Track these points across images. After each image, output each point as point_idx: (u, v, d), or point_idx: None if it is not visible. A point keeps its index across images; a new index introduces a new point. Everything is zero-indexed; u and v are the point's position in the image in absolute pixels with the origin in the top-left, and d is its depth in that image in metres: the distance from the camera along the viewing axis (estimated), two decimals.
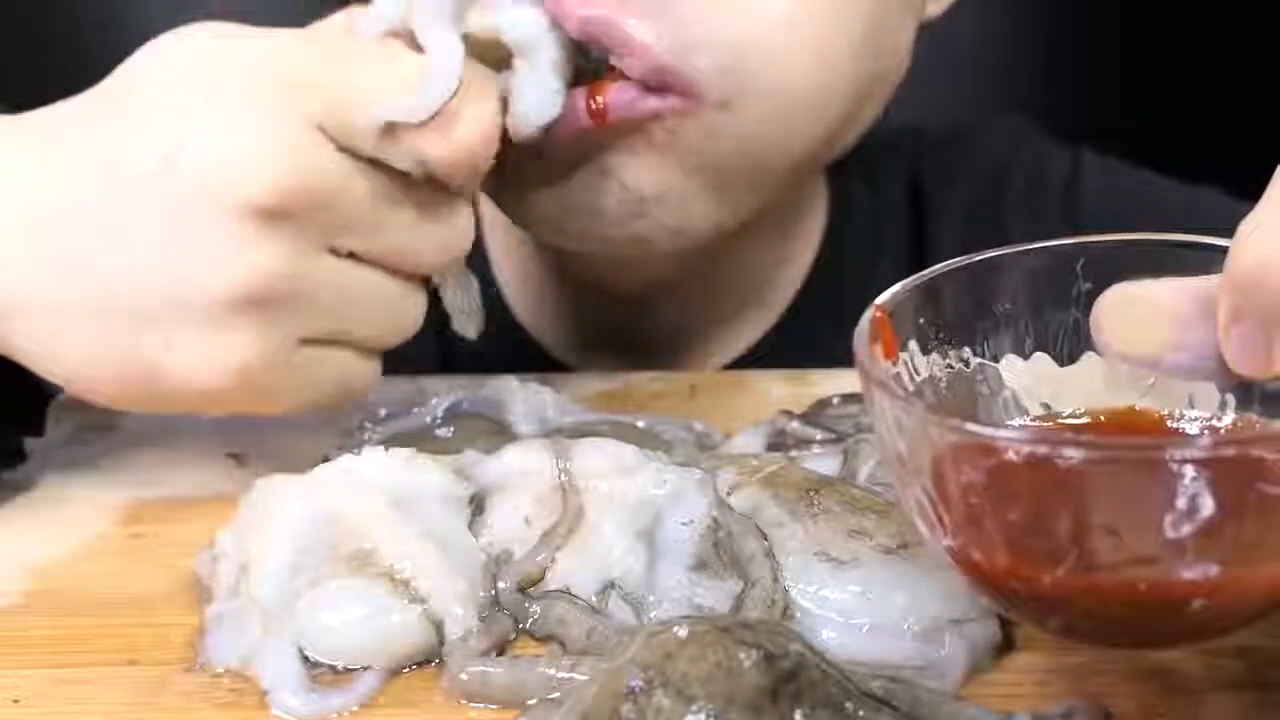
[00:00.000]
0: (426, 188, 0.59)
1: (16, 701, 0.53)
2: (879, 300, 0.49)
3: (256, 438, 0.67)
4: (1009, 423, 0.50)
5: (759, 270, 0.81)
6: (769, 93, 0.65)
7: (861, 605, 0.53)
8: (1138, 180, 0.88)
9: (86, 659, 0.55)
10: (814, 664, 0.47)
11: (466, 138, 0.58)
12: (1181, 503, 0.40)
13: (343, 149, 0.58)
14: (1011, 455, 0.42)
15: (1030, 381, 0.51)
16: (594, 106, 0.63)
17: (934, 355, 0.50)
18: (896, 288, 0.49)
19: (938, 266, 0.50)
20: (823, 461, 0.61)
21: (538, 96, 0.62)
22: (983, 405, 0.51)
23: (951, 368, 0.50)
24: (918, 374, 0.49)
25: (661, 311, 0.79)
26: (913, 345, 0.49)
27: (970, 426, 0.43)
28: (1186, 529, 0.40)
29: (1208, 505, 0.40)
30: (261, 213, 0.56)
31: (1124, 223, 0.84)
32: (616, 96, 0.63)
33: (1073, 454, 0.41)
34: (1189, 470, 0.40)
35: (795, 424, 0.64)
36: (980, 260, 0.50)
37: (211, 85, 0.58)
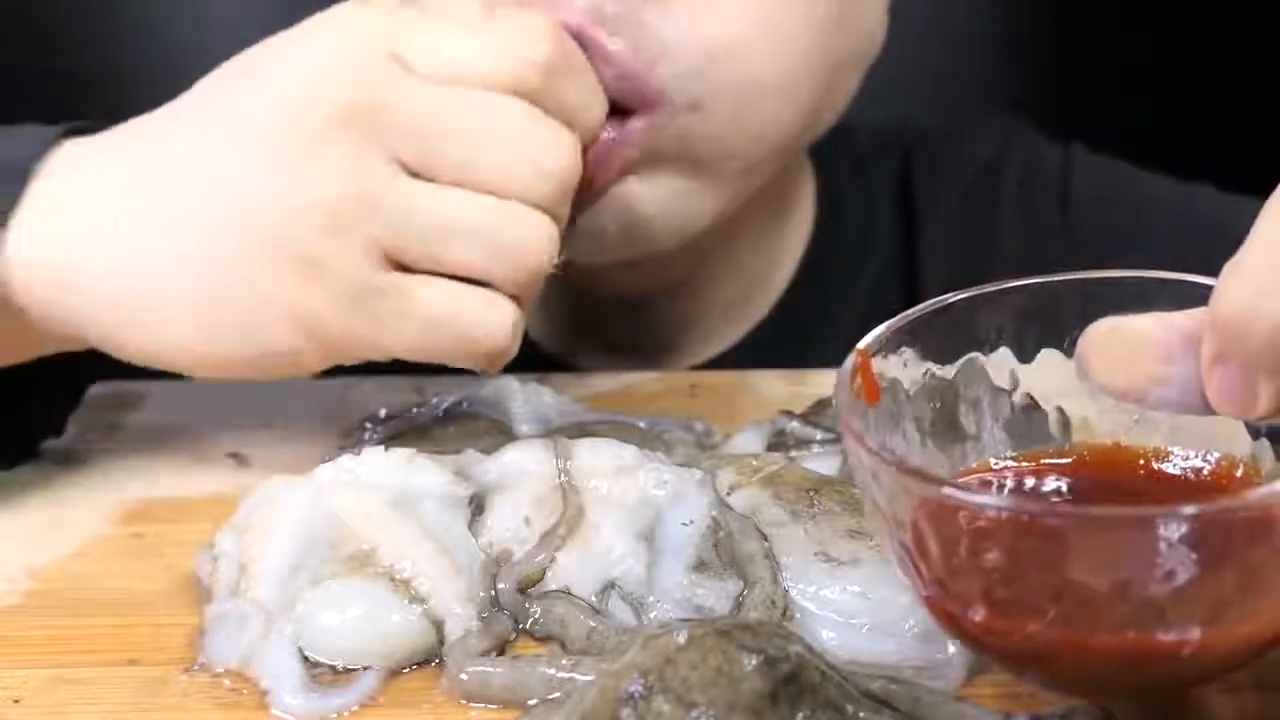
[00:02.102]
0: (518, 106, 0.59)
1: (17, 701, 0.53)
2: (861, 344, 0.48)
3: (257, 438, 0.67)
4: (994, 455, 0.50)
5: (749, 271, 0.81)
6: (737, 90, 0.67)
7: (861, 605, 0.53)
8: (1130, 178, 0.88)
9: (86, 659, 0.55)
10: (814, 666, 0.47)
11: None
12: (1159, 565, 0.40)
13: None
14: (988, 515, 0.42)
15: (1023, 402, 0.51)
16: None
17: (920, 379, 0.50)
18: (880, 329, 0.49)
19: (920, 306, 0.50)
20: (823, 461, 0.61)
21: None
22: (973, 443, 0.51)
23: (937, 403, 0.50)
24: (906, 394, 0.50)
25: (654, 314, 0.79)
26: (900, 369, 0.50)
27: (947, 490, 0.43)
28: (1164, 590, 0.41)
29: (1184, 568, 0.40)
30: (330, 122, 0.57)
31: (1117, 221, 0.85)
32: (596, 164, 0.64)
33: (1049, 521, 0.42)
34: (1165, 535, 0.40)
35: (795, 424, 0.64)
36: (963, 299, 0.50)
37: (283, 36, 0.60)
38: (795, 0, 0.68)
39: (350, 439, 0.65)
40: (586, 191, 0.65)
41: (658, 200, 0.68)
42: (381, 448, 0.58)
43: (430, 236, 0.58)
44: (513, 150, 0.58)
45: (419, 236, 0.58)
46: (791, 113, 0.70)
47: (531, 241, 0.58)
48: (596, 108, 0.62)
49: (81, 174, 0.61)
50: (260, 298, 0.59)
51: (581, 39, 0.64)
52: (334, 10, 0.60)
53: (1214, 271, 0.43)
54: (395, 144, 0.57)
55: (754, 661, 0.46)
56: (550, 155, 0.59)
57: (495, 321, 0.59)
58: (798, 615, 0.53)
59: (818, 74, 0.70)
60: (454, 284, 0.58)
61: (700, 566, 0.55)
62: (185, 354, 0.60)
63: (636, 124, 0.66)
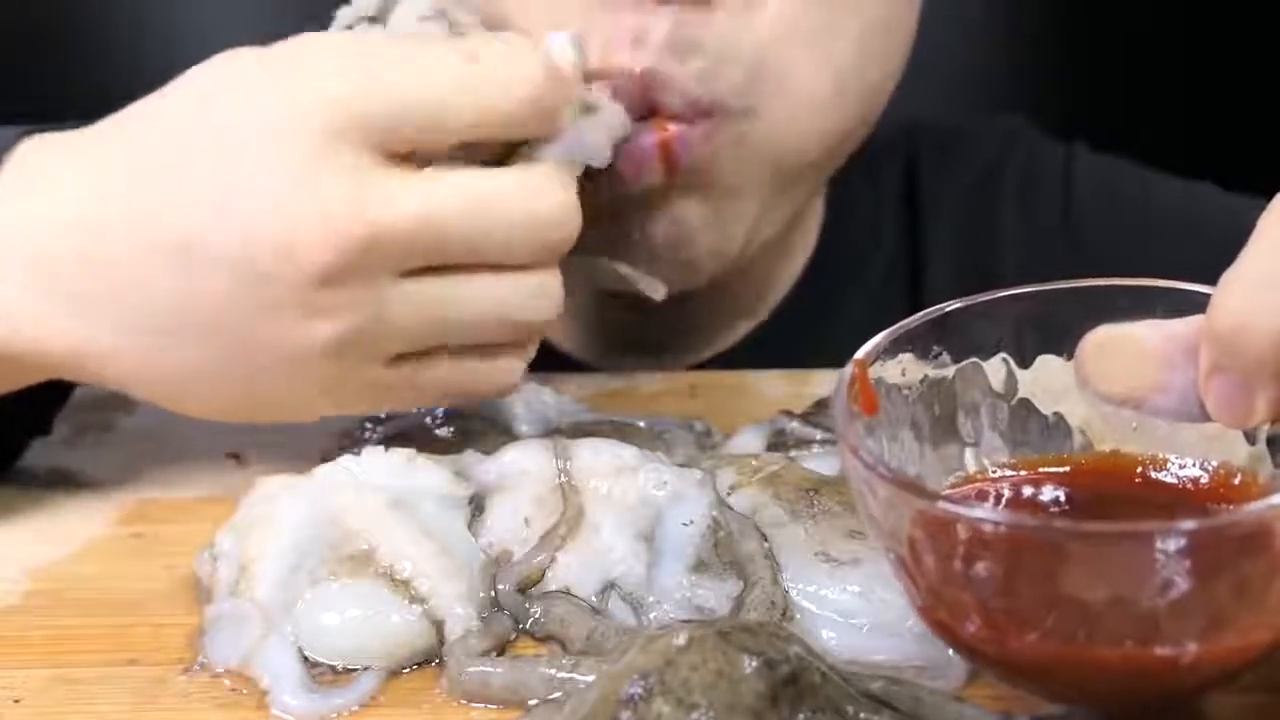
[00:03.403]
0: (504, 182, 0.58)
1: (17, 701, 0.53)
2: (858, 354, 0.48)
3: (256, 438, 0.67)
4: (991, 461, 0.51)
5: (756, 271, 0.81)
6: (790, 93, 0.67)
7: (861, 605, 0.53)
8: (1133, 177, 0.88)
9: (86, 659, 0.55)
10: (814, 667, 0.47)
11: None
12: (1154, 579, 0.41)
13: (416, 162, 0.57)
14: (983, 528, 0.42)
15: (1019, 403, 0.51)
16: (666, 152, 0.65)
17: (918, 385, 0.50)
18: (878, 338, 0.49)
19: (919, 314, 0.50)
20: (823, 461, 0.61)
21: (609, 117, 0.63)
22: (970, 448, 0.51)
23: (935, 408, 0.50)
24: (904, 400, 0.50)
25: (660, 313, 0.79)
26: (898, 375, 0.50)
27: (941, 503, 0.43)
28: (1159, 604, 0.41)
29: (1180, 581, 0.40)
30: (323, 279, 0.56)
31: (1119, 221, 0.85)
32: (681, 147, 0.65)
33: (1044, 535, 0.42)
34: (1161, 549, 0.40)
35: (795, 424, 0.64)
36: (962, 306, 0.50)
37: (253, 145, 0.56)
38: (839, 15, 0.68)
39: (350, 439, 0.65)
40: (624, 187, 0.65)
41: (700, 214, 0.68)
42: (381, 448, 0.58)
43: (436, 331, 0.59)
44: (514, 231, 0.58)
45: (425, 335, 0.59)
46: (837, 123, 0.70)
47: (534, 309, 0.59)
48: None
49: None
50: (277, 405, 0.61)
51: (656, 80, 0.64)
52: (299, 128, 0.56)
53: (1217, 272, 0.43)
54: (395, 265, 0.57)
55: (754, 663, 0.46)
56: (553, 228, 0.58)
57: (499, 377, 0.61)
58: (798, 616, 0.53)
59: (860, 87, 0.70)
60: (452, 361, 0.60)
61: (700, 567, 0.55)
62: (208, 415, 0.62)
63: (698, 129, 0.66)
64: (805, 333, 0.82)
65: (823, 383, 0.70)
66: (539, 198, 0.58)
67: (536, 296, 0.59)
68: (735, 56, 0.66)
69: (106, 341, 0.59)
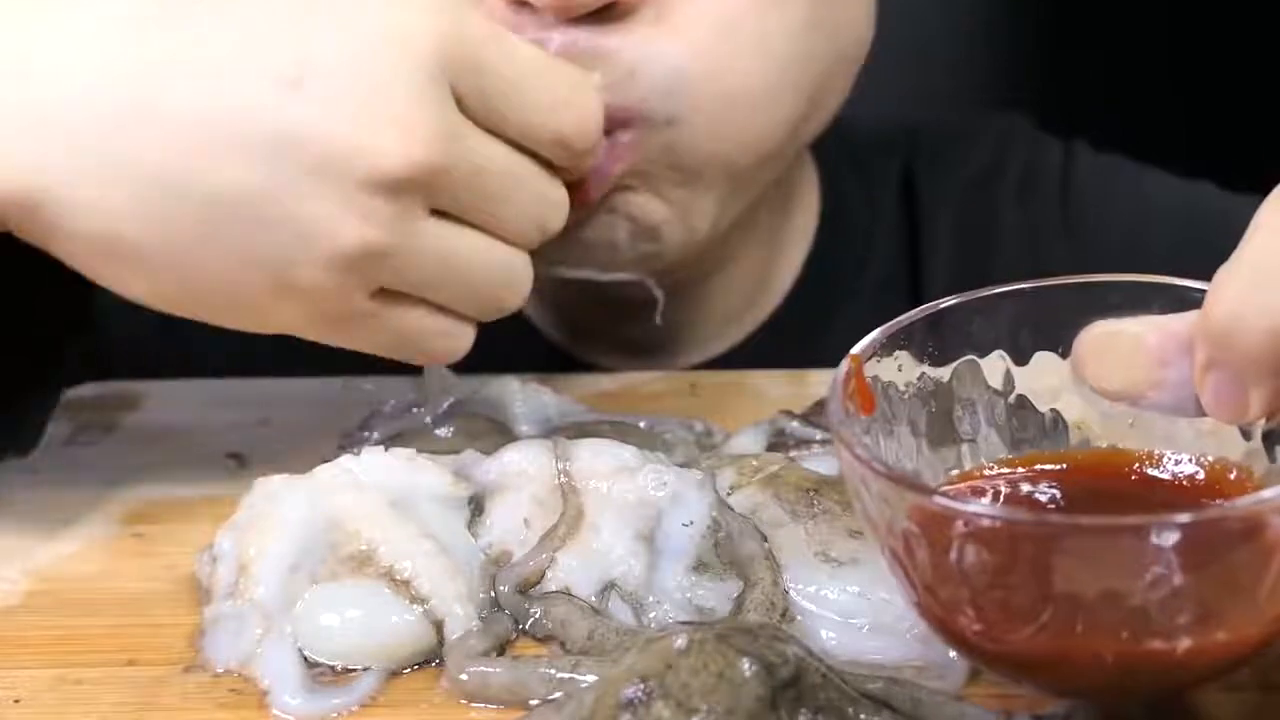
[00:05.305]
0: (533, 161, 0.61)
1: (17, 701, 0.53)
2: (854, 350, 0.49)
3: (256, 438, 0.67)
4: (988, 458, 0.51)
5: (753, 271, 0.81)
6: (710, 103, 0.66)
7: (861, 606, 0.53)
8: (1132, 175, 0.88)
9: (86, 659, 0.55)
10: (814, 668, 0.47)
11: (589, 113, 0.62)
12: (1148, 573, 0.41)
13: (477, 125, 0.59)
14: (978, 523, 0.43)
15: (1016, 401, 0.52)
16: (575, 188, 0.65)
17: (914, 382, 0.50)
18: (874, 334, 0.49)
19: (915, 311, 0.50)
20: (823, 461, 0.61)
21: None
22: (967, 445, 0.51)
23: (931, 406, 0.50)
24: (901, 397, 0.50)
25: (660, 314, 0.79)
26: (894, 372, 0.50)
27: (936, 499, 0.44)
28: (1153, 597, 0.41)
29: (1174, 575, 0.41)
30: (383, 186, 0.56)
31: (1118, 219, 0.85)
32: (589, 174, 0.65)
33: (1038, 530, 0.42)
34: (1155, 543, 0.40)
35: (795, 424, 0.64)
36: (958, 303, 0.50)
37: (366, 40, 0.57)
38: (765, 11, 0.67)
39: (350, 439, 0.65)
40: (580, 205, 0.65)
41: (661, 211, 0.68)
42: (381, 448, 0.58)
43: (427, 280, 0.59)
44: (530, 209, 0.60)
45: (424, 276, 0.59)
46: (775, 119, 0.69)
47: (513, 289, 0.61)
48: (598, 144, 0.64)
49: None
50: (231, 304, 0.59)
51: None
52: (422, 32, 0.57)
53: (1215, 270, 0.43)
54: (439, 201, 0.58)
55: (754, 667, 0.46)
56: (554, 216, 0.62)
57: (445, 344, 0.61)
58: (798, 616, 0.53)
59: (800, 80, 0.69)
60: (423, 312, 0.60)
61: (700, 567, 0.55)
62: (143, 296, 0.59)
63: (623, 138, 0.66)
64: (805, 334, 0.82)
65: (823, 383, 0.70)
66: (550, 182, 0.61)
67: (518, 272, 0.61)
68: (649, 66, 0.65)
69: (71, 183, 0.56)
